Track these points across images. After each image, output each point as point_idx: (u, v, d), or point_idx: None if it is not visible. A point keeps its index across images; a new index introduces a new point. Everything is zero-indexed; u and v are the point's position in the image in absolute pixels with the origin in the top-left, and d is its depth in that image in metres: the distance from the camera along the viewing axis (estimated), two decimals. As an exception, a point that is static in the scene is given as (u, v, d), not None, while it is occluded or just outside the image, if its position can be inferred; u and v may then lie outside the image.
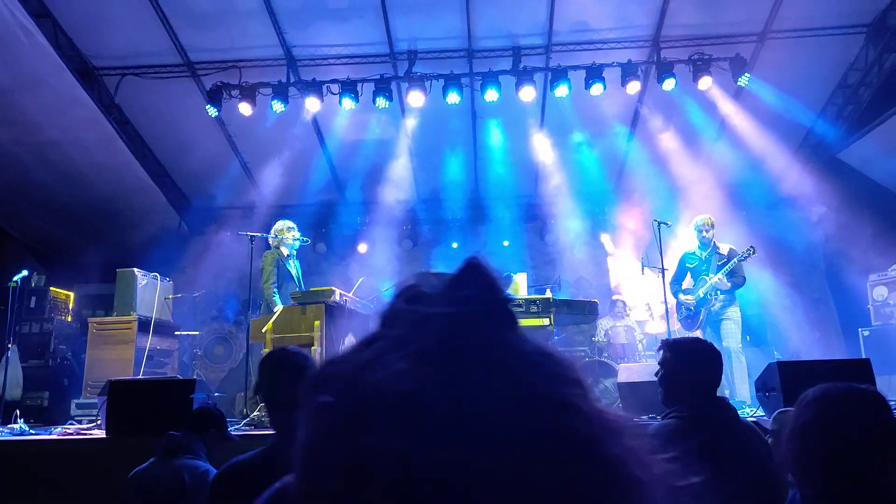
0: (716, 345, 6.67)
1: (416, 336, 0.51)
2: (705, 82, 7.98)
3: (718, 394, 5.60)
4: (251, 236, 6.76)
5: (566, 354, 0.57)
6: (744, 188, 9.71)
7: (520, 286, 6.54)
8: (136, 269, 7.43)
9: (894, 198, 8.60)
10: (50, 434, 5.25)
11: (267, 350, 5.75)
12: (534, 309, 5.71)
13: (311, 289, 6.24)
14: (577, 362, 0.58)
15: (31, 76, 7.81)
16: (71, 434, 5.18)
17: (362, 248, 10.51)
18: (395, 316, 0.55)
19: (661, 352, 2.74)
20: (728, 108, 8.68)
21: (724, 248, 6.82)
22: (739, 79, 7.94)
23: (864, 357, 6.60)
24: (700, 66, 7.99)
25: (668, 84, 7.97)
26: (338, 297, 6.11)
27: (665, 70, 7.97)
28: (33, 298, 8.81)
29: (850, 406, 1.72)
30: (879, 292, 7.75)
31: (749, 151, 9.01)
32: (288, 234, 6.83)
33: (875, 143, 8.48)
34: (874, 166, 8.82)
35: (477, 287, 0.56)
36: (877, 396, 1.75)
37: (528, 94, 8.02)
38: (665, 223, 6.82)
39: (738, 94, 8.57)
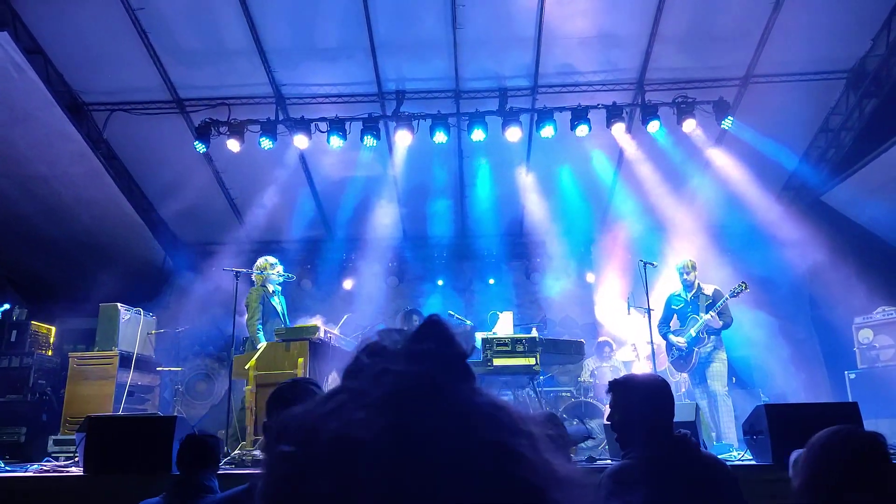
0: (702, 388, 6.69)
1: (375, 388, 0.54)
2: (689, 125, 8.12)
3: (706, 438, 5.56)
4: (236, 272, 6.73)
5: (519, 407, 0.60)
6: (728, 229, 9.81)
7: (506, 325, 6.51)
8: (119, 304, 7.34)
9: (877, 240, 8.71)
10: (26, 471, 5.12)
11: (249, 388, 5.66)
12: (520, 348, 5.67)
13: (296, 325, 6.19)
14: (533, 415, 0.60)
15: (21, 110, 7.85)
16: (47, 471, 5.03)
17: (348, 284, 10.48)
18: (358, 369, 0.59)
19: (610, 393, 2.55)
20: (712, 150, 8.82)
21: (708, 289, 6.85)
22: (723, 122, 8.08)
23: (851, 400, 6.59)
24: (684, 108, 8.14)
25: (653, 126, 8.10)
26: (322, 334, 6.06)
27: (649, 112, 8.10)
28: (14, 332, 8.69)
29: (854, 449, 1.71)
30: (865, 335, 7.78)
31: (733, 193, 9.12)
32: (272, 270, 6.80)
33: (857, 186, 8.62)
34: (857, 209, 8.95)
35: (435, 342, 0.59)
36: (879, 439, 1.74)
37: (514, 134, 8.12)
38: (651, 263, 6.85)
39: (721, 137, 8.72)
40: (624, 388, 2.53)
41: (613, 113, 8.11)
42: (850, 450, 1.73)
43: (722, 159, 8.90)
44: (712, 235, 9.47)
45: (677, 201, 9.38)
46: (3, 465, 5.37)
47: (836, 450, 1.75)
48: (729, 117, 8.10)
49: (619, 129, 8.17)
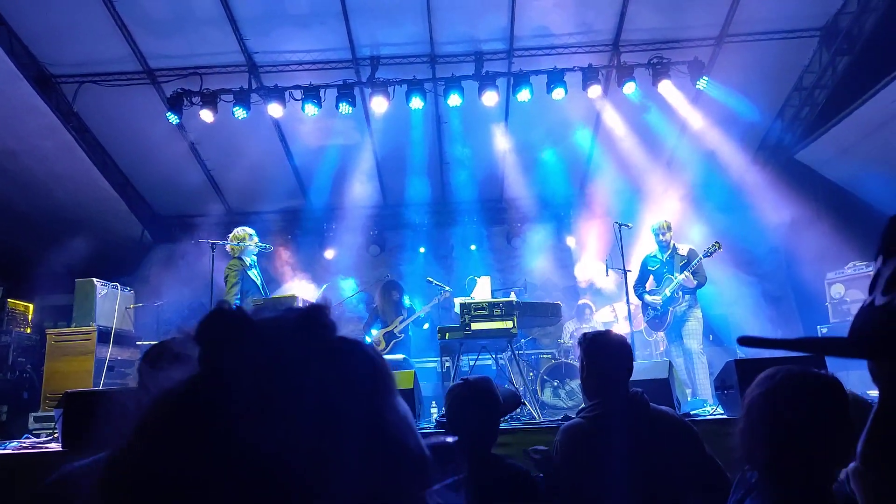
0: (678, 346, 6.80)
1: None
2: (665, 86, 8.11)
3: (680, 394, 5.68)
4: (212, 244, 6.69)
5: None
6: (704, 189, 9.87)
7: (484, 289, 6.56)
8: (95, 279, 7.29)
9: (850, 197, 8.81)
10: (5, 448, 5.12)
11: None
12: (497, 312, 5.72)
13: (273, 296, 6.19)
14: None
15: (-15, 85, 7.66)
16: (27, 448, 5.05)
17: (329, 254, 10.45)
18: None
19: (579, 349, 2.67)
20: (687, 110, 8.83)
21: (683, 249, 6.93)
22: (698, 82, 8.08)
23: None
24: (659, 69, 8.12)
25: (629, 88, 8.09)
26: (301, 304, 6.06)
27: (625, 74, 8.08)
28: (-10, 311, 8.63)
29: (797, 388, 1.71)
30: (836, 290, 7.93)
31: (709, 153, 9.18)
32: (249, 241, 6.76)
33: (830, 144, 8.69)
34: (830, 166, 9.04)
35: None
36: (829, 381, 1.73)
37: (490, 98, 8.07)
38: (626, 225, 6.91)
39: (696, 97, 8.73)
40: (586, 344, 2.61)
41: (589, 75, 8.08)
42: (786, 378, 1.73)
43: (697, 120, 8.92)
44: (689, 196, 9.54)
45: (654, 162, 9.41)
46: (-21, 444, 5.36)
47: (774, 379, 1.76)
48: (704, 77, 8.10)
49: (595, 91, 8.14)
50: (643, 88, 8.22)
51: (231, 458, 0.52)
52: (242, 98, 8.02)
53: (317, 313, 0.63)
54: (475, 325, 5.70)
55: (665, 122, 9.05)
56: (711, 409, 5.41)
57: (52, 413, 6.15)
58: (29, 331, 9.06)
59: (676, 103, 8.60)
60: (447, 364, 6.70)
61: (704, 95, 8.49)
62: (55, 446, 4.92)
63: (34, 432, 6.21)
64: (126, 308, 7.57)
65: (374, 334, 7.96)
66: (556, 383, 7.53)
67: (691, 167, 9.50)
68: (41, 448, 5.00)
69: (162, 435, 0.55)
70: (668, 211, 8.17)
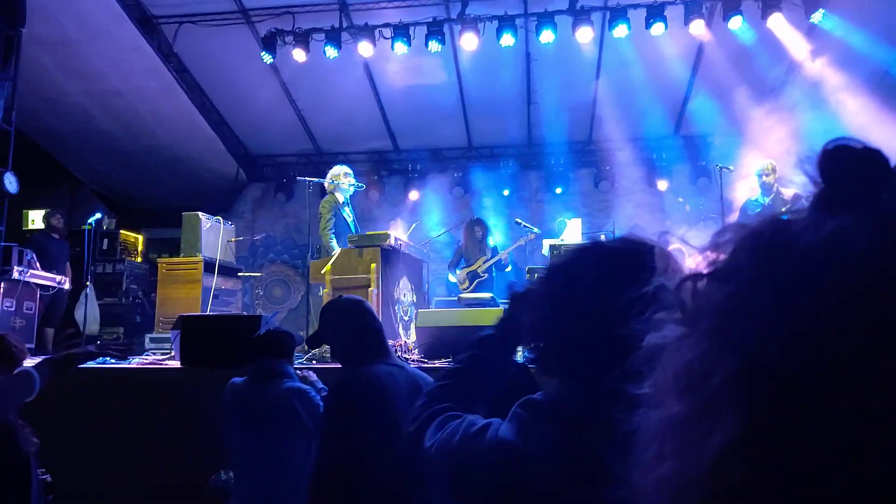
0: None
1: None
2: (775, 19, 7.56)
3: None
4: (309, 181, 6.88)
5: None
6: (813, 133, 9.26)
7: (574, 232, 6.49)
8: (200, 213, 7.67)
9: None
10: (129, 363, 5.58)
11: (327, 290, 5.92)
12: (589, 253, 5.68)
13: (368, 233, 6.34)
14: None
15: (93, 26, 8.01)
16: (148, 364, 5.49)
17: (413, 195, 10.56)
18: None
19: None
20: (799, 47, 8.23)
21: (787, 193, 6.59)
22: (813, 15, 7.50)
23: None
24: (769, 2, 7.58)
25: (735, 22, 7.60)
26: (393, 242, 6.21)
27: (731, 7, 7.58)
28: (105, 241, 9.27)
29: None
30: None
31: (820, 93, 8.57)
32: (345, 179, 6.90)
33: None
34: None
35: None
36: None
37: (585, 35, 7.78)
38: (727, 168, 6.62)
39: (810, 32, 8.11)
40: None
41: (692, 9, 7.64)
42: None
43: (809, 57, 8.30)
44: (796, 140, 8.99)
45: (758, 104, 8.88)
46: (110, 360, 5.84)
47: None
48: (820, 9, 7.50)
49: (697, 26, 7.69)
50: (751, 23, 7.71)
51: None
52: (333, 37, 8.07)
53: None
54: (566, 266, 5.68)
55: (773, 59, 8.48)
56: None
57: (166, 335, 6.64)
58: (140, 260, 9.70)
59: (787, 39, 8.02)
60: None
61: (818, 30, 7.88)
62: (174, 363, 5.33)
63: (151, 351, 6.72)
64: (228, 241, 7.94)
65: (458, 273, 8.06)
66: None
67: (801, 110, 8.92)
68: (162, 364, 5.43)
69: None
70: (773, 154, 7.75)
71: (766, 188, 6.63)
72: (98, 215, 8.14)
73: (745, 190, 7.26)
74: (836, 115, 8.77)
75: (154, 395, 4.77)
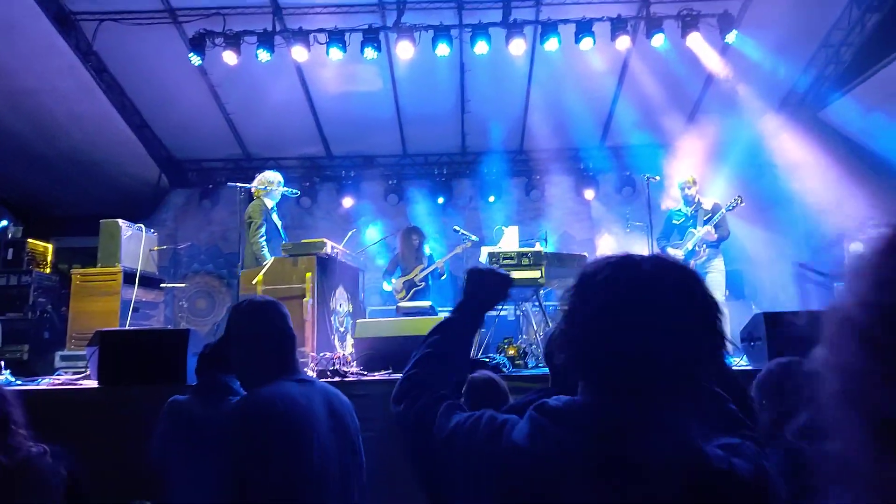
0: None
1: None
2: (694, 38, 7.97)
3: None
4: (240, 187, 6.68)
5: None
6: (727, 145, 9.81)
7: (511, 239, 6.59)
8: (120, 221, 7.30)
9: (872, 156, 8.77)
10: (38, 384, 5.21)
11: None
12: (525, 262, 5.77)
13: (303, 240, 6.21)
14: None
15: (4, 20, 7.52)
16: (61, 384, 5.14)
17: (347, 202, 10.44)
18: None
19: None
20: (715, 64, 8.71)
21: (707, 203, 6.95)
22: (727, 35, 7.95)
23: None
24: (688, 21, 7.98)
25: (657, 40, 7.95)
26: (329, 250, 6.11)
27: (654, 25, 7.94)
28: (10, 251, 8.65)
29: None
30: (856, 248, 7.93)
31: (733, 108, 9.09)
32: (277, 186, 6.77)
33: (855, 103, 8.62)
34: (854, 125, 8.97)
35: None
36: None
37: (518, 47, 7.95)
38: (653, 178, 6.91)
39: (724, 51, 8.60)
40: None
41: (618, 26, 7.94)
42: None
43: (724, 74, 8.80)
44: (713, 151, 9.49)
45: (679, 116, 9.33)
46: (13, 380, 5.43)
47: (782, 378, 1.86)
48: (733, 30, 7.97)
49: (623, 42, 8.01)
50: (671, 41, 8.08)
51: None
52: (266, 40, 7.89)
53: None
54: (504, 274, 5.76)
55: (691, 74, 8.93)
56: (735, 361, 5.51)
57: (80, 352, 6.25)
58: (49, 271, 9.11)
59: (705, 56, 8.47)
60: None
61: (731, 49, 8.36)
62: (90, 383, 5.01)
63: (62, 370, 6.30)
64: (150, 250, 7.59)
65: (394, 282, 8.03)
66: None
67: (716, 122, 9.42)
68: (77, 385, 5.08)
69: None
70: (692, 165, 8.14)
71: (687, 199, 6.98)
72: (3, 223, 7.60)
73: (668, 200, 7.61)
74: (749, 126, 9.34)
75: (67, 418, 4.43)
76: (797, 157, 9.25)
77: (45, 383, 5.22)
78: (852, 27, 8.43)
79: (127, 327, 6.89)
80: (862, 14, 8.23)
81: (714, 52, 8.53)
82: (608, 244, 8.97)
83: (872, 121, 8.58)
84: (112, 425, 4.25)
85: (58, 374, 5.85)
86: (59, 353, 6.89)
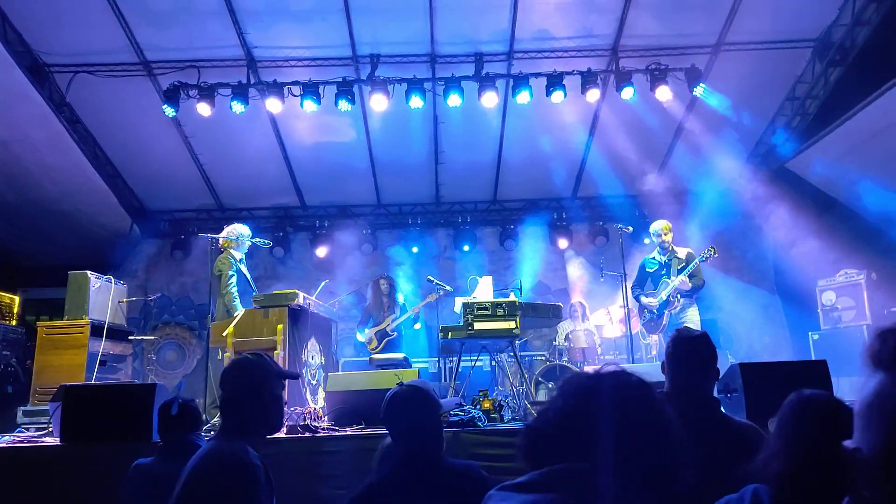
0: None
1: None
2: (662, 91, 8.19)
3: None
4: (212, 238, 6.61)
5: None
6: (697, 195, 10.00)
7: (486, 289, 6.57)
8: (88, 272, 7.16)
9: (839, 206, 8.98)
10: None
11: (228, 354, 5.62)
12: (500, 312, 5.73)
13: (274, 292, 6.13)
14: None
15: (-24, 71, 7.50)
16: (21, 441, 4.94)
17: (321, 251, 10.38)
18: None
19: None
20: (683, 116, 8.94)
21: (682, 252, 7.01)
22: (695, 88, 8.19)
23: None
24: (657, 75, 8.20)
25: (627, 93, 8.16)
26: (301, 301, 6.02)
27: (623, 79, 8.15)
28: (-26, 302, 8.44)
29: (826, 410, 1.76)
30: (828, 297, 8.07)
31: (703, 159, 9.30)
32: (246, 238, 6.72)
33: (821, 154, 8.85)
34: (821, 176, 9.19)
35: None
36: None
37: (490, 100, 8.09)
38: (626, 228, 6.98)
39: (692, 104, 8.84)
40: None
41: (588, 79, 8.13)
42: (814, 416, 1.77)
43: (692, 126, 9.04)
44: (683, 201, 9.66)
45: (650, 167, 9.51)
46: (-26, 438, 5.21)
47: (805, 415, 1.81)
48: (701, 84, 8.21)
49: (593, 95, 8.20)
50: (641, 94, 8.30)
51: None
52: (240, 92, 7.95)
53: None
54: (478, 325, 5.72)
55: (661, 126, 9.14)
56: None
57: (44, 407, 6.03)
58: (14, 323, 8.87)
59: (673, 109, 8.70)
60: (449, 363, 6.69)
61: (700, 102, 8.60)
62: (52, 440, 4.83)
63: (24, 426, 6.07)
64: (119, 302, 7.44)
65: (367, 332, 7.93)
66: (550, 385, 7.56)
67: (685, 173, 9.63)
68: (38, 442, 4.89)
69: None
70: (663, 215, 8.26)
71: (662, 247, 7.03)
72: (-31, 274, 7.43)
73: (642, 249, 7.68)
74: (719, 176, 9.54)
75: (27, 477, 4.25)
76: (767, 206, 9.44)
77: (5, 441, 5.02)
78: (816, 80, 8.73)
79: (93, 381, 6.69)
80: (825, 68, 8.53)
81: (682, 106, 8.76)
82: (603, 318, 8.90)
83: (839, 171, 8.80)
84: (75, 485, 4.09)
85: (19, 431, 5.64)
86: (22, 408, 6.65)
